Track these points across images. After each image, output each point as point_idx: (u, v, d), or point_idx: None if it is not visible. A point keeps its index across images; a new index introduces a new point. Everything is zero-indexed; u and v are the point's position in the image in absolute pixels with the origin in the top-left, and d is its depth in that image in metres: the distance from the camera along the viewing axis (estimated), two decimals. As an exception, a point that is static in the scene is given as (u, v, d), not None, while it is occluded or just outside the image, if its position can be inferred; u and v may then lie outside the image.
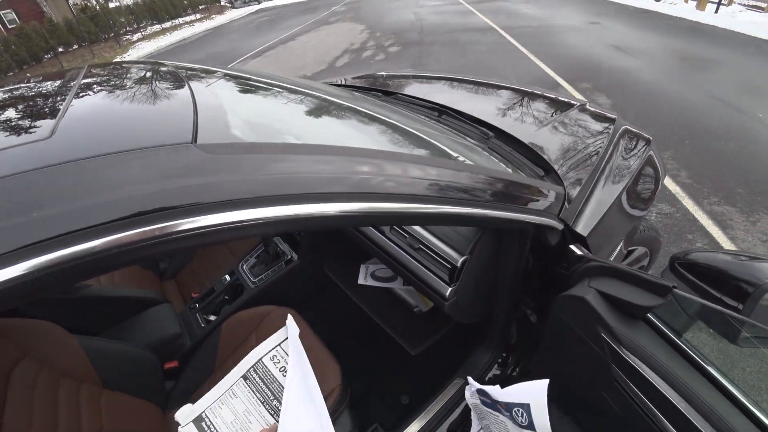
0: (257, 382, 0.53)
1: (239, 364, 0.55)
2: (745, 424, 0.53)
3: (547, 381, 0.47)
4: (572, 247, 0.77)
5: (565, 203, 0.83)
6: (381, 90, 1.54)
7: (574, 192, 0.91)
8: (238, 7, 24.98)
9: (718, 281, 0.67)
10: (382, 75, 1.92)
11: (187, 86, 0.71)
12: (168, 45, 13.44)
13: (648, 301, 0.58)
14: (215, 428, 0.52)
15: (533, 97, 1.57)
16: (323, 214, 0.47)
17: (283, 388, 0.51)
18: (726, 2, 10.62)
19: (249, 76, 1.06)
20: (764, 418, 0.53)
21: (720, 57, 6.44)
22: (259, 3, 25.61)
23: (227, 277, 1.59)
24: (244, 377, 0.54)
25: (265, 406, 0.52)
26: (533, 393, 0.48)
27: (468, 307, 0.87)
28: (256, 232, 0.43)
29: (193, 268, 1.80)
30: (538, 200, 0.78)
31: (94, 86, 0.71)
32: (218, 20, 18.43)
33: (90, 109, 0.60)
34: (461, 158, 0.85)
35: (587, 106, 1.54)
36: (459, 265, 0.81)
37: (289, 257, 1.49)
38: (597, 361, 0.65)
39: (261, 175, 0.45)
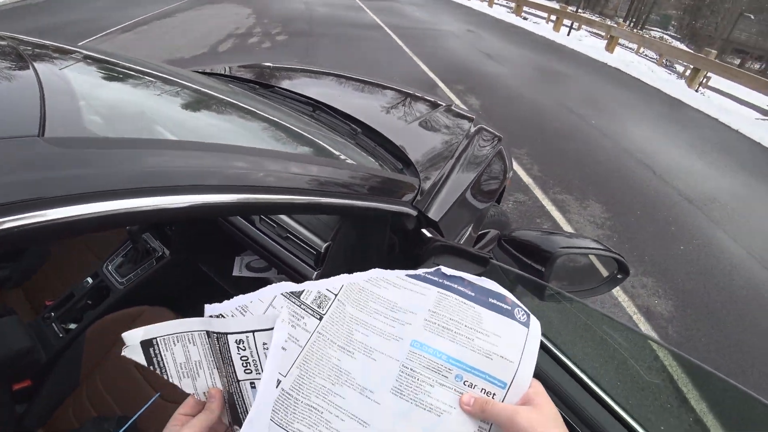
0: (216, 348, 0.47)
1: (204, 319, 0.48)
2: (551, 364, 0.68)
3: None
4: (424, 230, 0.89)
5: (419, 193, 0.95)
6: (259, 82, 1.53)
7: (429, 182, 1.04)
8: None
9: (530, 251, 0.85)
10: (269, 66, 1.89)
11: (30, 67, 0.63)
12: (8, 2, 11.07)
13: (474, 270, 0.71)
14: (162, 360, 0.46)
15: (404, 96, 1.71)
16: (180, 205, 0.47)
17: (236, 375, 0.46)
18: (576, 27, 12.58)
19: (111, 59, 0.98)
20: (565, 359, 0.68)
21: (567, 72, 7.63)
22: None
23: (89, 279, 1.43)
24: (208, 334, 0.47)
25: (217, 370, 0.47)
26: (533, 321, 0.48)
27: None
28: (113, 224, 0.42)
29: (46, 274, 1.58)
30: (395, 190, 0.88)
31: None
32: (82, -21, 15.77)
33: None
34: (327, 152, 0.92)
35: (452, 107, 1.74)
36: (323, 250, 0.88)
37: (161, 254, 1.41)
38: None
39: (120, 168, 0.44)
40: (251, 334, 0.47)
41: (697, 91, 8.23)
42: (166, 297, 1.40)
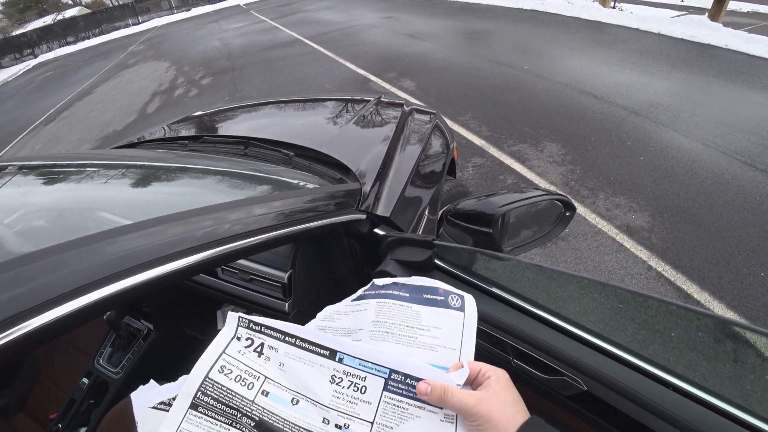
0: (214, 406, 0.43)
1: (178, 396, 0.43)
2: (522, 318, 0.68)
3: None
4: (376, 230, 0.91)
5: (362, 196, 0.97)
6: (188, 137, 1.53)
7: (372, 180, 1.05)
8: (6, 66, 21.10)
9: (476, 218, 0.88)
10: (197, 115, 1.88)
11: None
12: None
13: (424, 255, 0.74)
14: None
15: (334, 102, 1.73)
16: (153, 276, 0.50)
17: (248, 399, 0.44)
18: (482, -20, 12.71)
19: (39, 163, 0.98)
20: (533, 308, 0.66)
21: (488, 28, 7.75)
22: (36, 56, 21.85)
23: (85, 380, 1.43)
24: (194, 406, 0.43)
25: (236, 427, 0.42)
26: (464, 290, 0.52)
27: (314, 312, 0.95)
28: (93, 313, 0.44)
29: (42, 390, 1.56)
30: (338, 201, 0.90)
31: None
32: (-18, 85, 15.28)
33: None
34: (268, 186, 0.93)
35: (382, 98, 1.76)
36: (286, 280, 0.89)
37: (146, 332, 1.41)
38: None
39: (81, 266, 0.46)
40: (224, 354, 0.48)
41: (614, 8, 8.48)
42: (164, 370, 1.40)
